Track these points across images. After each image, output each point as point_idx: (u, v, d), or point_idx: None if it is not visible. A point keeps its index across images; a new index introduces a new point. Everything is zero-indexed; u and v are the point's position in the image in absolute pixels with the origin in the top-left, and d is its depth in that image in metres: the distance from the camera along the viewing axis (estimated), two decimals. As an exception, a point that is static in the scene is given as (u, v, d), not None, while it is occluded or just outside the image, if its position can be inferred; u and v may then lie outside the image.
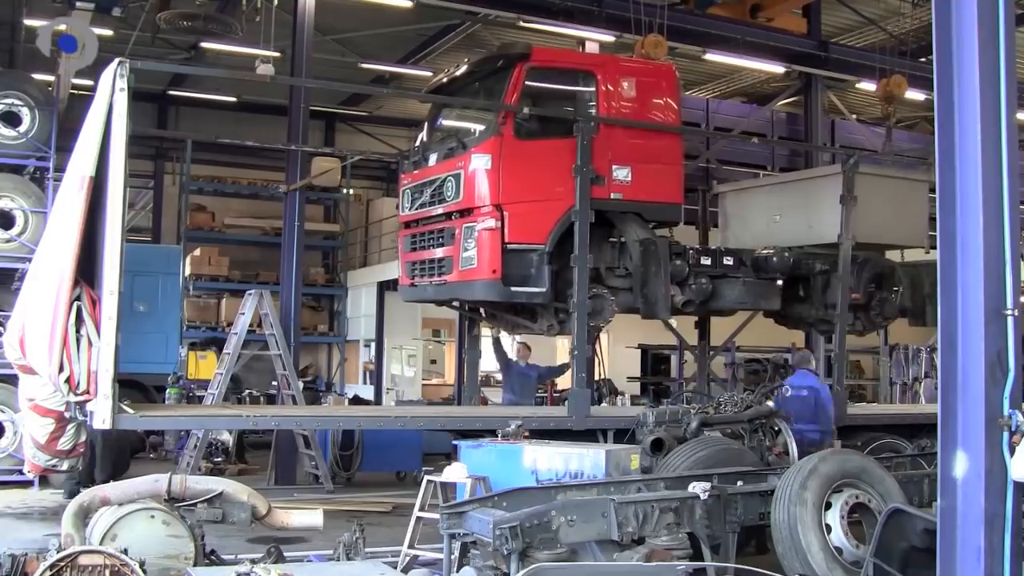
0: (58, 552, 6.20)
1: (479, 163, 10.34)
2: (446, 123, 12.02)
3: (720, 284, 11.71)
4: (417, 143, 12.19)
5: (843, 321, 12.27)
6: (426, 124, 12.36)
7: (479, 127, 11.02)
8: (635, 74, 11.34)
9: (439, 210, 10.86)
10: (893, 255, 13.60)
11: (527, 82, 10.59)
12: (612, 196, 10.85)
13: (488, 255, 10.12)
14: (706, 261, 11.57)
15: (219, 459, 16.21)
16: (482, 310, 12.94)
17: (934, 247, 17.15)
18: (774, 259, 12.11)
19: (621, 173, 10.85)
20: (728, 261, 11.81)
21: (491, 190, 10.27)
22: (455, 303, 12.78)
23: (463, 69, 11.59)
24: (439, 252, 10.82)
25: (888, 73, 19.57)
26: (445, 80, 11.88)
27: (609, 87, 11.02)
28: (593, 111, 10.93)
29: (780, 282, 12.41)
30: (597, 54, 11.57)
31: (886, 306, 13.02)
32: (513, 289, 10.27)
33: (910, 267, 13.44)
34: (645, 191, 11.05)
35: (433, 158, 11.32)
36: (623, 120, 11.09)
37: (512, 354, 14.59)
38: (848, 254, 12.12)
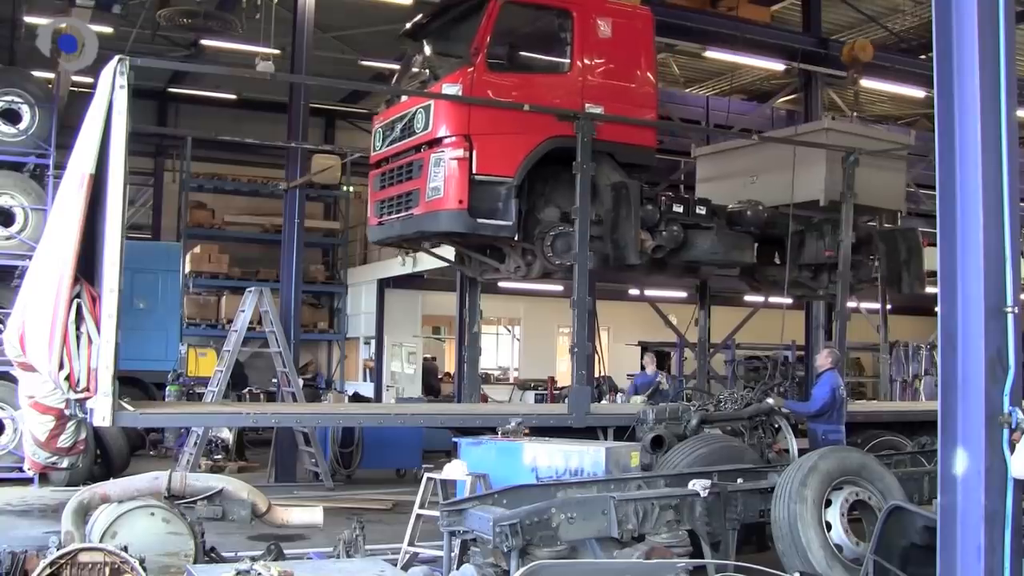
0: (58, 549, 6.19)
1: (449, 92, 10.23)
2: (419, 63, 11.91)
3: (692, 233, 11.56)
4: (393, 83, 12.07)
5: (843, 318, 12.26)
6: (400, 66, 12.28)
7: (453, 61, 10.91)
8: (612, 15, 11.13)
9: (409, 143, 10.68)
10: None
11: (502, 17, 10.42)
12: None
13: (455, 185, 9.99)
14: (678, 208, 11.42)
15: (219, 456, 16.24)
16: (452, 252, 12.73)
17: (910, 214, 16.85)
18: (748, 212, 12.04)
19: (594, 112, 10.66)
20: (701, 210, 11.70)
21: (460, 120, 10.15)
22: (425, 243, 12.36)
23: (442, 5, 11.50)
24: (407, 186, 10.64)
25: (859, 41, 19.17)
26: (424, 19, 11.76)
27: (585, 26, 10.86)
28: (568, 49, 10.80)
29: (754, 238, 12.30)
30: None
31: (861, 268, 12.84)
32: (479, 221, 10.09)
33: (886, 233, 13.22)
34: (618, 131, 10.89)
35: (406, 97, 11.20)
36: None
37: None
38: (848, 250, 12.11)
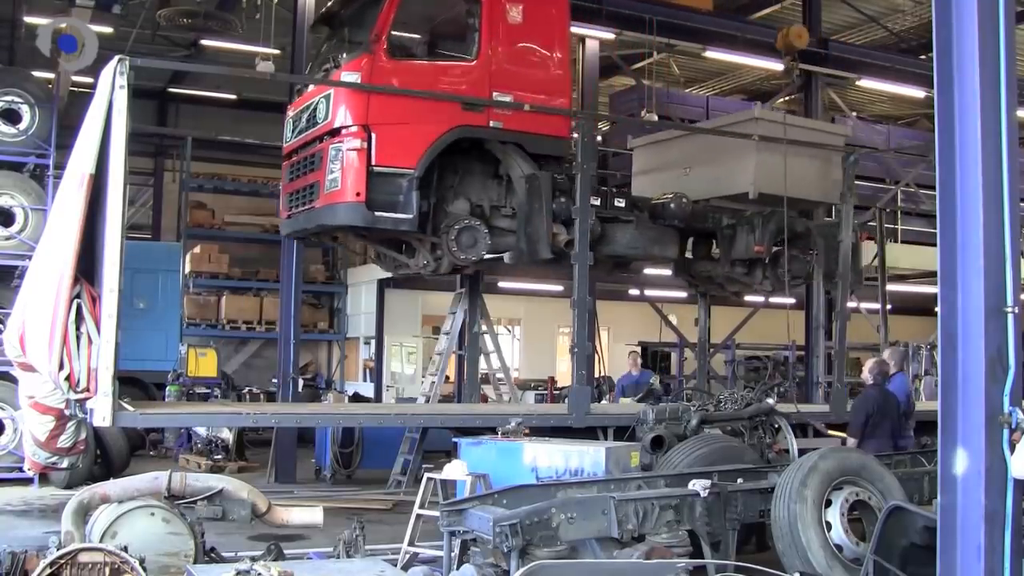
0: (58, 549, 6.19)
1: (347, 80, 10.02)
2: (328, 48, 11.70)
3: (610, 227, 11.32)
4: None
5: (844, 318, 12.28)
6: (314, 53, 12.13)
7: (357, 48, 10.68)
8: (523, 0, 10.83)
9: (312, 134, 10.46)
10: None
11: (405, 2, 10.20)
12: (491, 124, 10.44)
13: (353, 177, 9.73)
14: (595, 202, 11.13)
15: (219, 456, 16.24)
16: (368, 248, 12.49)
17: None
18: (671, 205, 11.72)
19: (503, 99, 10.42)
20: (620, 203, 11.47)
21: (358, 109, 9.89)
22: (335, 236, 12.14)
23: None
24: (310, 178, 10.39)
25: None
26: (336, 6, 11.54)
27: (494, 12, 10.61)
28: (476, 35, 10.54)
29: (682, 233, 12.08)
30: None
31: (795, 264, 12.53)
32: (377, 214, 9.81)
33: (825, 227, 12.91)
34: (528, 121, 10.59)
35: (313, 86, 10.99)
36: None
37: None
38: (848, 251, 12.09)
